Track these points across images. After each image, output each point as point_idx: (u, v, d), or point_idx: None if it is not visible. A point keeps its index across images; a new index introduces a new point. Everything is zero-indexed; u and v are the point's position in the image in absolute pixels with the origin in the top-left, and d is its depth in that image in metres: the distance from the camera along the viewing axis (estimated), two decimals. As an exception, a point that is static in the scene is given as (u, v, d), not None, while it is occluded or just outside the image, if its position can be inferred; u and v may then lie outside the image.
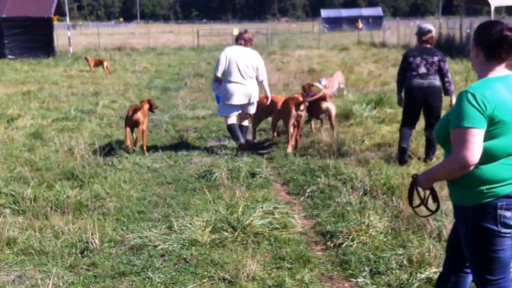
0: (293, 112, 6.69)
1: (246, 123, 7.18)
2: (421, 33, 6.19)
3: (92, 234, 4.13)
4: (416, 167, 5.89)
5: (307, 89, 7.73)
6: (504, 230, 2.38)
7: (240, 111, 7.00)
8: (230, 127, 6.96)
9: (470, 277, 2.71)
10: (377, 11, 62.76)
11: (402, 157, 6.06)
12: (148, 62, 20.70)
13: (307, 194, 5.26)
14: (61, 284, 3.55)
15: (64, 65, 19.93)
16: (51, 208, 4.80)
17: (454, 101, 5.98)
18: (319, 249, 4.10)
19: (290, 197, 5.34)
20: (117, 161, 6.49)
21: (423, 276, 3.47)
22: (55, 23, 26.36)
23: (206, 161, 6.54)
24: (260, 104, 7.31)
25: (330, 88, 9.00)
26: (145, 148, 6.98)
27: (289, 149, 6.75)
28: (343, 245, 4.03)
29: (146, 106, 7.18)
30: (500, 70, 2.45)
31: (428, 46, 6.16)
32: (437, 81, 6.03)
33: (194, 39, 31.84)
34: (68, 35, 26.95)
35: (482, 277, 2.52)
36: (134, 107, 7.06)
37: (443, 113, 5.64)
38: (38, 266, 3.80)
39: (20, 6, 22.71)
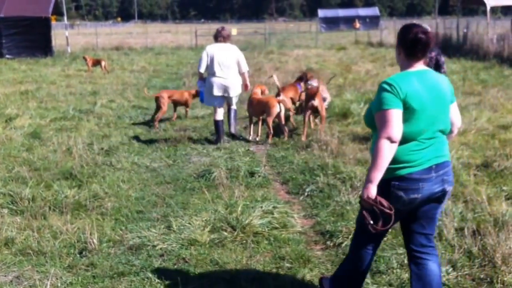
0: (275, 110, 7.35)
1: (234, 107, 7.61)
2: None
3: (90, 234, 4.10)
4: (415, 166, 5.88)
5: (308, 78, 8.13)
6: (394, 205, 2.67)
7: (222, 103, 7.39)
8: (216, 123, 7.40)
9: (430, 263, 2.89)
10: (374, 11, 62.77)
11: None
12: (146, 61, 20.67)
13: (306, 194, 5.25)
14: (59, 284, 3.53)
15: (62, 64, 19.88)
16: (49, 208, 4.78)
17: None
18: (319, 249, 4.09)
19: (289, 196, 5.32)
20: (115, 160, 6.46)
21: (423, 275, 3.46)
22: (53, 22, 26.26)
23: (205, 160, 6.52)
24: (251, 103, 7.65)
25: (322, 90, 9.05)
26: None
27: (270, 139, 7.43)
28: (343, 245, 4.02)
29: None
30: (418, 66, 2.81)
31: None
32: None
33: (192, 39, 31.79)
34: (66, 35, 26.87)
35: (355, 237, 3.07)
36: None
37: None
38: (36, 266, 3.78)
39: (18, 6, 22.64)
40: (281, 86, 8.93)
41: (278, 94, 7.88)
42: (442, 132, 2.80)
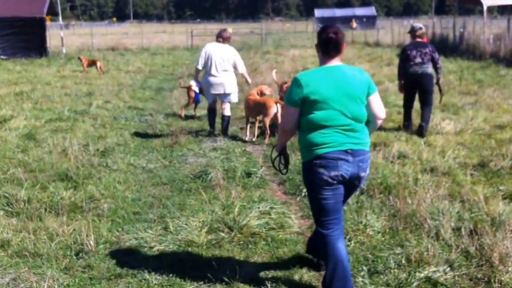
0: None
1: (227, 113, 7.86)
2: (414, 30, 7.73)
3: (87, 235, 4.08)
4: (412, 167, 5.89)
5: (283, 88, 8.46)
6: (319, 182, 3.09)
7: (218, 99, 7.81)
8: (208, 112, 7.95)
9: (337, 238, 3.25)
10: (370, 10, 62.91)
11: (408, 128, 7.77)
12: (142, 62, 20.62)
13: (303, 194, 5.23)
14: (56, 286, 3.50)
15: (57, 65, 19.81)
16: (45, 209, 4.75)
17: (441, 80, 7.80)
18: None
19: (286, 197, 5.31)
20: (111, 161, 6.44)
21: (422, 275, 3.46)
22: (48, 23, 26.19)
23: (202, 161, 6.51)
24: (248, 104, 7.72)
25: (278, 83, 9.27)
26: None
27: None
28: (341, 245, 4.01)
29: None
30: (333, 62, 3.21)
31: (420, 40, 7.68)
32: (429, 69, 7.49)
33: (188, 39, 31.75)
34: (61, 35, 26.79)
35: (315, 218, 3.33)
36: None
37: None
38: (33, 268, 3.75)
39: (13, 6, 22.54)
40: (279, 84, 9.03)
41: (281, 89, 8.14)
42: (357, 120, 3.13)
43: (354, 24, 49.47)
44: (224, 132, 7.84)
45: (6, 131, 8.24)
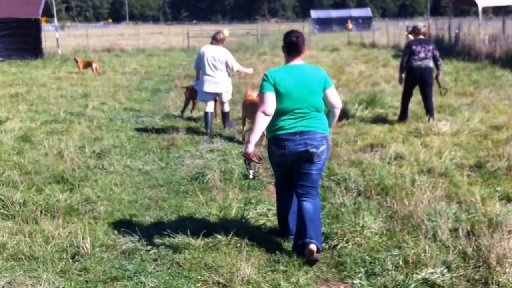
0: None
1: (227, 109, 8.42)
2: (418, 29, 8.46)
3: (83, 238, 4.06)
4: (408, 168, 5.89)
5: None
6: (272, 156, 3.93)
7: (214, 98, 8.20)
8: (205, 115, 8.23)
9: (305, 203, 3.86)
10: (366, 12, 63.03)
11: (401, 113, 8.52)
12: (138, 63, 20.58)
13: (300, 196, 5.22)
14: (52, 290, 3.48)
15: (52, 67, 19.74)
16: (41, 212, 4.72)
17: (440, 75, 8.46)
18: (314, 251, 4.06)
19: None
20: (107, 164, 6.41)
21: (419, 276, 3.46)
22: (43, 24, 26.11)
23: (198, 163, 6.49)
24: (245, 105, 7.75)
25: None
26: None
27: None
28: (338, 247, 4.00)
29: None
30: (295, 62, 3.88)
31: (423, 37, 8.38)
32: (431, 63, 8.19)
33: (184, 40, 31.71)
34: (56, 37, 26.72)
35: (275, 183, 4.23)
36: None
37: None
38: (28, 271, 3.73)
39: (7, 8, 22.44)
40: None
41: None
42: (314, 109, 3.81)
43: (350, 25, 49.55)
44: (225, 126, 8.46)
45: (1, 133, 8.19)
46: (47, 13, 27.10)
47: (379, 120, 8.63)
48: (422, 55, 8.09)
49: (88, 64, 17.43)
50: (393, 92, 11.54)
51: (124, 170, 6.24)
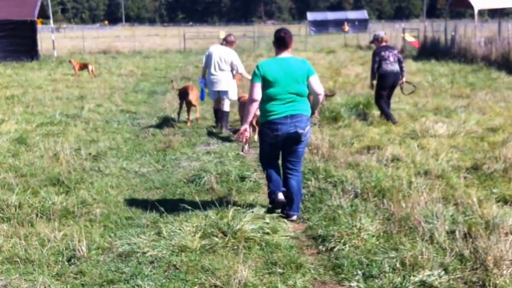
0: None
1: (226, 108, 8.55)
2: (380, 37, 8.98)
3: (79, 241, 4.03)
4: (405, 170, 5.89)
5: None
6: (266, 138, 4.61)
7: (219, 96, 8.51)
8: (214, 112, 8.82)
9: (291, 179, 4.69)
10: (362, 14, 63.25)
11: (390, 118, 8.63)
12: (134, 65, 20.54)
13: (297, 198, 5.21)
14: (47, 293, 3.45)
15: (48, 68, 19.68)
16: (37, 215, 4.70)
17: (405, 78, 8.84)
18: (311, 254, 4.06)
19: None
20: (103, 166, 6.39)
21: (416, 279, 3.45)
22: (39, 26, 26.03)
23: (195, 165, 6.47)
24: (240, 104, 7.88)
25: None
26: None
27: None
28: (335, 249, 4.00)
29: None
30: (283, 54, 4.60)
31: (386, 44, 8.96)
32: (397, 68, 8.66)
33: (181, 42, 31.69)
34: (52, 38, 26.65)
35: (260, 159, 4.89)
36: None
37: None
38: (24, 275, 3.70)
39: (3, 9, 22.36)
40: None
41: None
42: (298, 95, 4.49)
43: (346, 28, 49.67)
44: (223, 126, 8.46)
45: (-3, 135, 8.16)
46: (43, 15, 27.02)
47: (376, 122, 8.63)
48: (391, 59, 8.52)
49: (84, 66, 17.39)
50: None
51: (120, 173, 6.21)
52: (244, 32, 46.52)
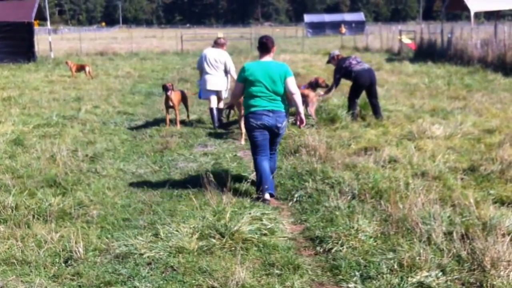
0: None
1: (220, 105, 9.10)
2: (336, 55, 9.30)
3: (76, 242, 4.02)
4: (402, 171, 5.90)
5: (320, 83, 9.15)
6: (251, 127, 5.26)
7: (214, 95, 8.95)
8: (210, 111, 9.08)
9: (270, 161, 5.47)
10: (359, 16, 63.36)
11: (355, 117, 8.86)
12: (131, 67, 20.52)
13: (295, 199, 5.22)
14: (44, 295, 3.44)
15: (45, 70, 19.64)
16: (33, 216, 4.68)
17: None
18: (309, 255, 4.05)
19: (278, 202, 5.29)
20: (100, 167, 6.37)
21: (414, 280, 3.45)
22: (36, 27, 25.98)
23: (192, 166, 6.46)
24: (239, 104, 7.71)
25: None
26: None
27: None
28: (333, 250, 4.00)
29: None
30: (265, 58, 5.36)
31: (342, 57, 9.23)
32: (368, 65, 9.00)
33: (178, 44, 31.69)
34: (49, 40, 26.61)
35: (251, 150, 5.45)
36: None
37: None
38: (21, 276, 3.68)
39: (0, 11, 22.32)
40: None
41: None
42: (275, 93, 5.21)
43: (343, 29, 49.77)
44: (215, 122, 8.86)
45: (-7, 136, 8.13)
46: (40, 17, 26.97)
47: (373, 123, 8.64)
48: (357, 61, 8.84)
49: (81, 68, 17.36)
50: (386, 96, 11.58)
51: (117, 174, 6.20)
52: (241, 34, 46.56)
